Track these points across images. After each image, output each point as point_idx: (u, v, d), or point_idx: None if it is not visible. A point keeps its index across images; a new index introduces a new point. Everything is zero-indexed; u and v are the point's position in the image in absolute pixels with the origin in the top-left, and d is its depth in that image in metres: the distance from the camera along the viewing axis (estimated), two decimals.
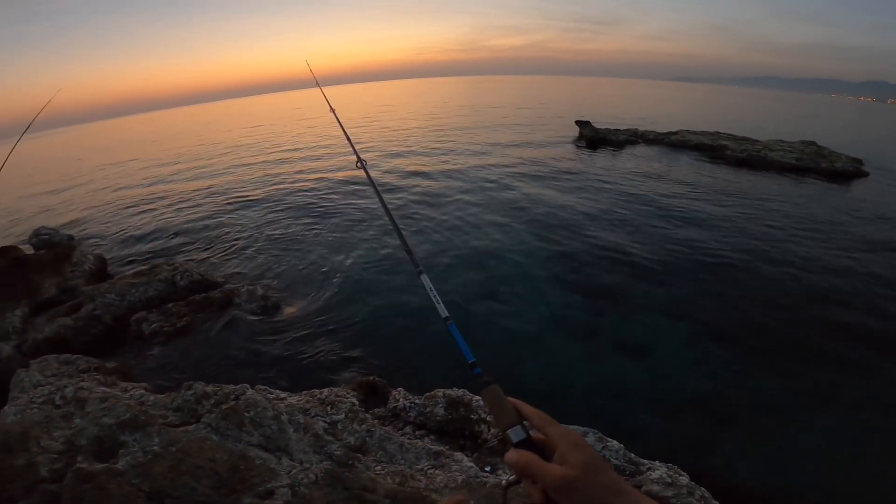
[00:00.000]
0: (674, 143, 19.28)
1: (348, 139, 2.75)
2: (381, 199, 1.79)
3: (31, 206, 16.25)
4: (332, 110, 3.53)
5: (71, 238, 8.70)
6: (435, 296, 1.14)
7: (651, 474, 2.98)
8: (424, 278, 1.25)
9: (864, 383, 5.02)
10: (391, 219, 1.62)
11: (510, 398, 0.80)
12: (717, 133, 19.80)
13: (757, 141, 18.10)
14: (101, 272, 8.10)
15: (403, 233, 1.58)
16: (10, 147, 6.42)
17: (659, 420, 4.49)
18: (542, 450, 0.73)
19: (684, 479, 2.96)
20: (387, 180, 13.89)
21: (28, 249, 8.14)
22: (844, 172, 14.56)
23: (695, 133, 19.87)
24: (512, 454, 0.73)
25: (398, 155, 17.57)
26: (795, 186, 13.32)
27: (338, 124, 3.03)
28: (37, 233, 8.53)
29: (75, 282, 7.05)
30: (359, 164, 2.27)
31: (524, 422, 0.77)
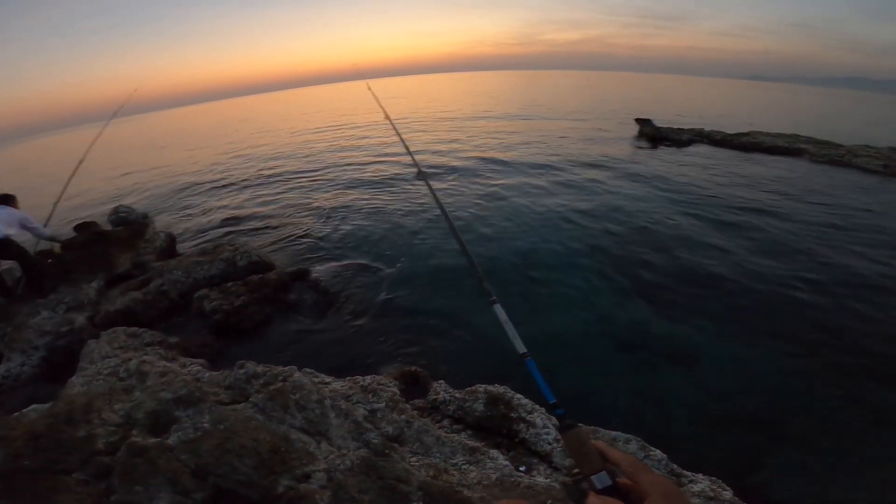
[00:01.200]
0: (744, 144, 18.03)
1: (408, 150, 2.79)
2: (447, 217, 1.78)
3: (114, 185, 17.58)
4: (389, 119, 3.60)
5: (146, 216, 9.29)
6: (512, 330, 1.11)
7: (693, 487, 2.89)
8: (498, 309, 1.21)
9: None
10: (459, 240, 1.60)
11: (594, 441, 0.79)
12: (795, 136, 18.41)
13: (840, 145, 16.74)
14: (170, 249, 8.62)
15: (469, 248, 1.55)
16: (97, 132, 6.98)
17: (705, 431, 4.30)
18: (627, 495, 0.71)
19: (727, 493, 2.86)
20: (446, 172, 14.00)
21: (107, 226, 8.79)
22: None
23: (769, 135, 18.60)
24: (594, 499, 0.71)
25: (446, 153, 17.52)
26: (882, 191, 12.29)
27: (396, 134, 3.08)
28: (116, 210, 9.17)
29: (147, 257, 7.54)
30: (420, 176, 2.30)
31: (610, 467, 0.76)
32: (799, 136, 18.33)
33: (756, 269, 7.29)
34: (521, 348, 1.06)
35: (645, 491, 0.68)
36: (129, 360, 3.35)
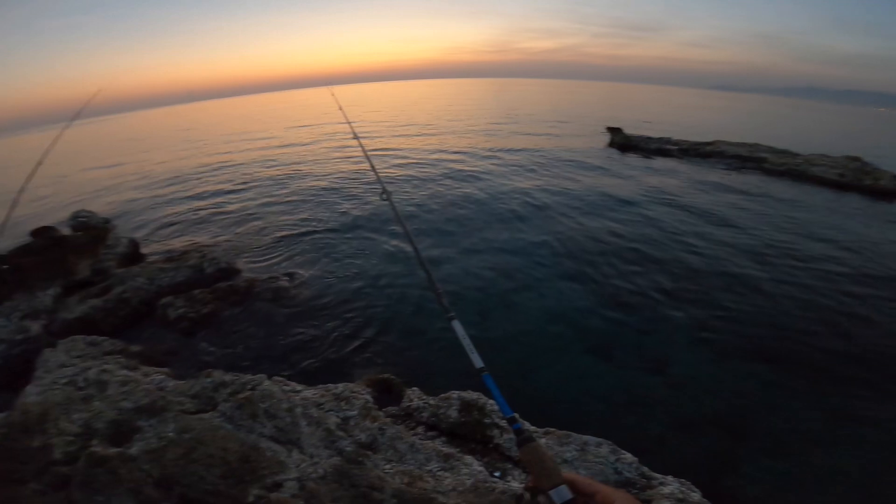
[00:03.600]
0: (708, 153, 18.67)
1: (374, 170, 2.77)
2: (410, 236, 1.77)
3: (75, 189, 16.94)
4: (357, 137, 3.60)
5: (107, 221, 8.98)
6: (469, 345, 1.10)
7: (663, 489, 2.92)
8: (457, 325, 1.20)
9: (892, 406, 4.80)
10: (419, 257, 1.60)
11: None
12: (756, 144, 19.12)
13: (798, 154, 17.44)
14: (133, 255, 8.33)
15: (423, 257, 1.55)
16: (58, 132, 6.71)
17: (675, 435, 4.38)
18: None
19: (696, 495, 2.90)
20: (413, 182, 13.93)
21: (66, 231, 8.45)
22: (888, 190, 13.93)
23: (732, 144, 19.26)
24: None
25: (408, 166, 17.45)
26: (834, 202, 12.82)
27: (363, 154, 3.07)
28: (76, 215, 8.84)
29: (108, 264, 7.27)
30: (384, 197, 2.28)
31: (569, 479, 0.75)
32: (760, 145, 19.03)
33: (724, 274, 7.50)
34: (479, 363, 1.05)
35: (610, 499, 0.70)
36: (89, 368, 3.21)
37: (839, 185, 14.45)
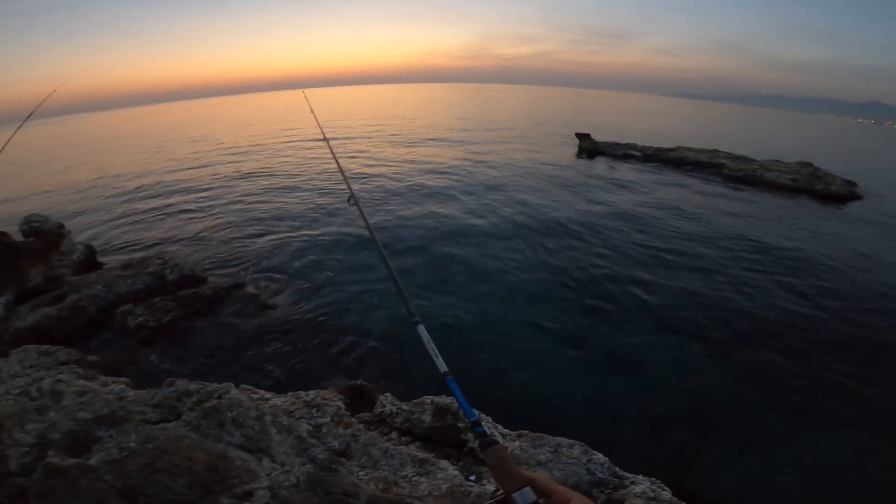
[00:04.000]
0: (672, 159, 19.31)
1: (342, 172, 2.73)
2: (376, 239, 1.75)
3: (28, 192, 16.13)
4: (327, 140, 3.56)
5: (61, 226, 8.55)
6: (433, 349, 1.09)
7: (634, 488, 2.96)
8: (421, 329, 1.20)
9: (850, 400, 5.04)
10: (386, 264, 1.59)
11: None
12: (716, 151, 19.87)
13: (754, 160, 18.19)
14: (90, 262, 7.98)
15: (392, 264, 1.54)
16: (11, 132, 6.37)
17: (645, 434, 4.47)
18: None
19: (667, 493, 2.96)
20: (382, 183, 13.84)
21: (18, 237, 8.02)
22: (838, 195, 14.65)
23: (693, 150, 19.95)
24: None
25: (376, 176, 17.32)
26: (787, 207, 13.38)
27: (332, 156, 3.04)
28: (28, 219, 8.37)
29: (62, 271, 6.94)
30: (351, 202, 2.24)
31: (530, 477, 0.76)
32: (719, 151, 19.81)
33: (690, 279, 7.70)
34: (443, 367, 1.05)
35: (565, 498, 0.73)
36: (42, 378, 3.04)
37: (792, 189, 15.11)
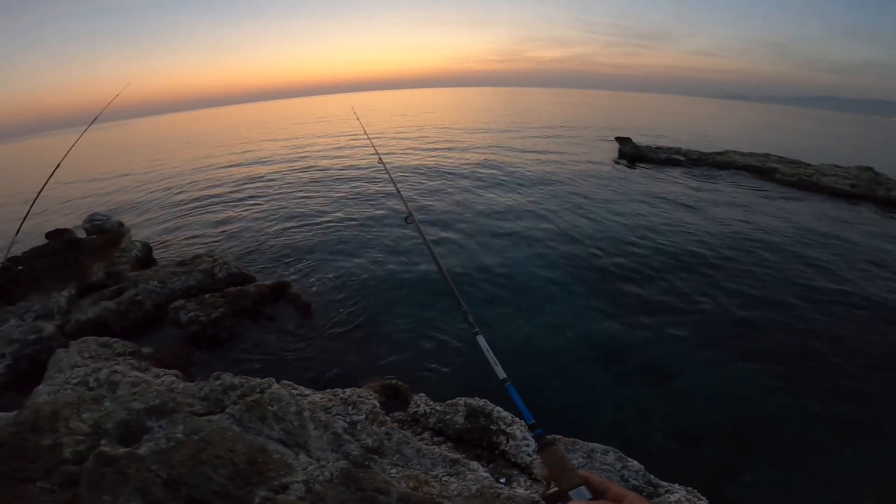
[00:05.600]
0: (719, 163, 18.49)
1: (399, 193, 2.82)
2: (435, 258, 1.82)
3: (92, 192, 17.20)
4: (382, 162, 3.68)
5: (121, 225, 9.08)
6: (493, 358, 1.16)
7: (670, 497, 2.92)
8: (481, 339, 1.27)
9: None
10: (445, 276, 1.65)
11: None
12: (767, 155, 18.93)
13: (809, 165, 17.28)
14: (146, 259, 8.45)
15: (447, 273, 1.60)
16: (76, 136, 6.84)
17: (681, 444, 4.36)
18: None
19: (703, 502, 2.89)
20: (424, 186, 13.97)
21: (81, 234, 8.57)
22: None
23: (742, 154, 19.12)
24: None
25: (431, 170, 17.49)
26: (847, 213, 12.70)
27: (383, 166, 3.13)
28: (90, 218, 8.93)
29: (121, 267, 7.37)
30: (409, 220, 2.31)
31: (585, 476, 0.78)
32: (770, 155, 18.84)
33: (731, 289, 7.44)
34: (502, 374, 1.10)
35: (619, 496, 0.73)
36: (100, 369, 3.26)
37: (851, 196, 14.32)
